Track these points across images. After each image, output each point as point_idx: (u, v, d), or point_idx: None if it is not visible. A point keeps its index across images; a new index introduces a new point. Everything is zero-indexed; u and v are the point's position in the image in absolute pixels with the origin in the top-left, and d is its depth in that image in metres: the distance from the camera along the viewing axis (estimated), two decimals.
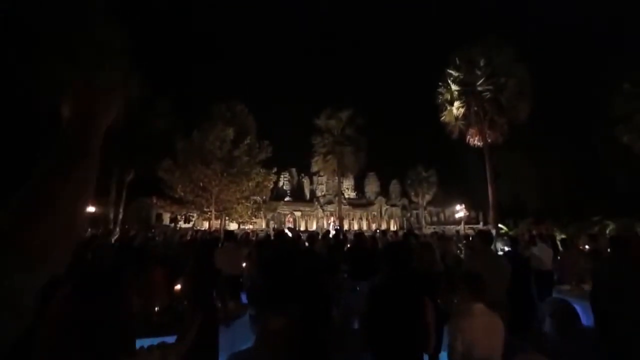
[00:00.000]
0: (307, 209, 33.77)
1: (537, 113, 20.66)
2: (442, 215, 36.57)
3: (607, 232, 15.94)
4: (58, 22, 14.04)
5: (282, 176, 34.49)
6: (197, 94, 38.53)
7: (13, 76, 13.29)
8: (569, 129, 25.37)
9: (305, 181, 37.77)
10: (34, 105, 14.07)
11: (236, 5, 76.23)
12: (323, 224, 32.31)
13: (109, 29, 15.91)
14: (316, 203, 34.31)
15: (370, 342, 1.97)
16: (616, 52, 21.86)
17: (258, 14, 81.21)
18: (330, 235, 10.51)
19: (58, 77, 14.32)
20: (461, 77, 20.65)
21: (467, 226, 27.34)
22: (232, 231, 7.22)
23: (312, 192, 37.09)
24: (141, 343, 2.84)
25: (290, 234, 9.23)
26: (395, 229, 29.91)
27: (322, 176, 33.82)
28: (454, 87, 20.92)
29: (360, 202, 36.58)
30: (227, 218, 21.98)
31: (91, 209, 21.62)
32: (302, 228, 30.21)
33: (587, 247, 8.11)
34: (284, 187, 35.81)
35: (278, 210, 29.17)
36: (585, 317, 4.05)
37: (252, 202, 21.68)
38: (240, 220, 22.58)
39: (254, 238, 10.87)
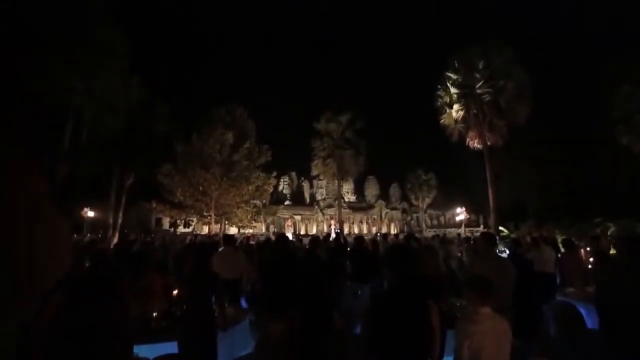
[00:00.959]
0: (307, 212, 33.70)
1: (537, 115, 20.64)
2: (442, 219, 36.52)
3: (609, 233, 15.87)
4: (58, 23, 14.03)
5: (282, 180, 34.45)
6: (196, 97, 38.71)
7: (12, 76, 13.24)
8: (568, 131, 25.34)
9: (305, 185, 37.74)
10: (32, 105, 14.02)
11: (236, 7, 76.66)
12: (323, 227, 32.23)
13: (108, 31, 15.86)
14: (316, 207, 34.25)
15: (372, 347, 1.92)
16: (616, 53, 21.83)
17: (258, 17, 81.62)
18: (331, 239, 10.44)
19: (57, 78, 14.32)
20: (460, 80, 20.66)
21: (467, 229, 27.29)
22: (231, 235, 7.16)
23: (312, 196, 37.05)
24: (140, 348, 2.78)
25: (291, 237, 9.18)
26: (395, 232, 29.81)
27: (322, 180, 33.79)
28: (453, 90, 20.93)
29: (361, 206, 36.54)
30: (226, 222, 21.90)
31: (90, 213, 21.61)
32: (302, 232, 30.14)
33: (588, 249, 8.05)
34: (284, 191, 35.76)
35: (278, 214, 29.08)
36: (590, 320, 3.99)
37: (252, 206, 21.61)
38: (240, 225, 22.49)
39: (253, 242, 10.79)
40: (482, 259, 2.99)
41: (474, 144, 21.29)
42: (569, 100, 26.52)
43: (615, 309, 2.51)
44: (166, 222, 27.07)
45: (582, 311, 3.85)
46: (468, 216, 28.63)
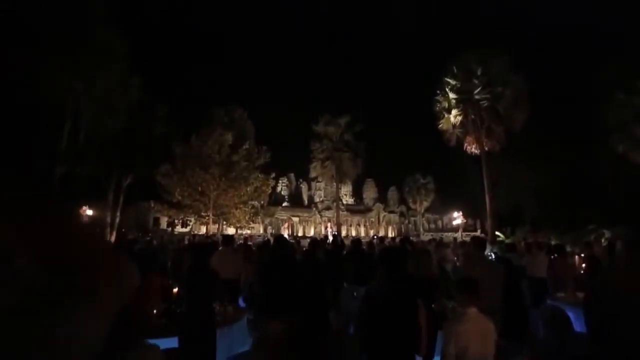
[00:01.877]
0: (305, 214, 33.77)
1: (534, 121, 20.87)
2: (440, 223, 36.64)
3: (603, 240, 16.03)
4: (58, 23, 14.08)
5: (280, 181, 34.51)
6: (196, 98, 38.66)
7: (12, 77, 13.28)
8: (565, 137, 25.57)
9: (304, 187, 37.80)
10: (32, 106, 14.06)
11: (236, 9, 76.91)
12: (321, 229, 32.28)
13: (108, 32, 15.94)
14: (314, 209, 34.31)
15: (365, 344, 2.02)
16: (612, 59, 22.06)
17: (258, 19, 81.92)
18: (328, 241, 10.52)
19: (57, 78, 14.37)
20: (459, 85, 20.87)
21: (464, 233, 27.40)
22: (230, 236, 7.24)
23: (310, 198, 37.11)
24: None
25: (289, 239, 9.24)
26: (393, 235, 29.90)
27: (320, 182, 33.88)
28: (451, 95, 21.12)
29: (358, 208, 36.61)
30: (224, 223, 21.95)
31: (88, 212, 21.61)
32: (300, 234, 30.19)
33: (582, 255, 8.17)
34: (282, 193, 35.82)
35: (276, 216, 29.16)
36: (579, 324, 4.09)
37: (250, 207, 21.69)
38: (238, 225, 22.55)
39: (251, 243, 10.86)
40: (472, 262, 3.10)
41: (472, 149, 21.48)
42: (566, 107, 26.78)
43: (603, 316, 2.59)
44: (164, 222, 27.05)
45: (571, 315, 3.94)
46: (465, 220, 28.75)
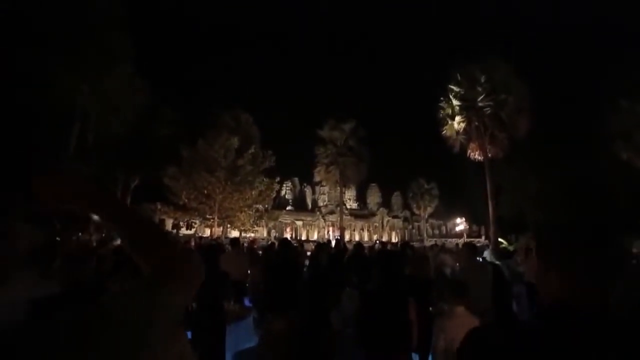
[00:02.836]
0: (309, 218, 33.97)
1: (538, 128, 20.92)
2: (443, 228, 36.64)
3: None
4: (65, 26, 14.14)
5: (284, 185, 34.80)
6: (202, 102, 39.22)
7: (20, 79, 13.41)
8: (569, 144, 25.54)
9: (308, 191, 38.04)
10: (40, 107, 14.23)
11: (243, 14, 77.88)
12: (324, 233, 32.44)
13: (115, 35, 16.00)
14: (318, 213, 34.50)
15: (361, 341, 2.23)
16: (615, 66, 22.09)
17: (265, 25, 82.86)
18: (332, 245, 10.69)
19: (65, 80, 14.55)
20: (462, 92, 21.01)
21: (468, 239, 27.40)
22: (237, 239, 7.47)
23: (314, 202, 37.32)
24: None
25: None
26: (396, 240, 29.97)
27: (324, 186, 34.09)
28: (455, 102, 21.27)
29: (362, 213, 36.72)
30: (229, 225, 22.21)
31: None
32: (304, 237, 30.35)
33: None
34: (286, 197, 36.08)
35: (280, 219, 29.41)
36: None
37: (254, 211, 21.96)
38: (242, 228, 22.81)
39: (256, 246, 11.08)
40: (464, 266, 3.29)
41: (475, 155, 21.55)
42: (570, 114, 26.79)
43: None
44: (169, 224, 27.40)
45: None
46: (468, 227, 28.77)
